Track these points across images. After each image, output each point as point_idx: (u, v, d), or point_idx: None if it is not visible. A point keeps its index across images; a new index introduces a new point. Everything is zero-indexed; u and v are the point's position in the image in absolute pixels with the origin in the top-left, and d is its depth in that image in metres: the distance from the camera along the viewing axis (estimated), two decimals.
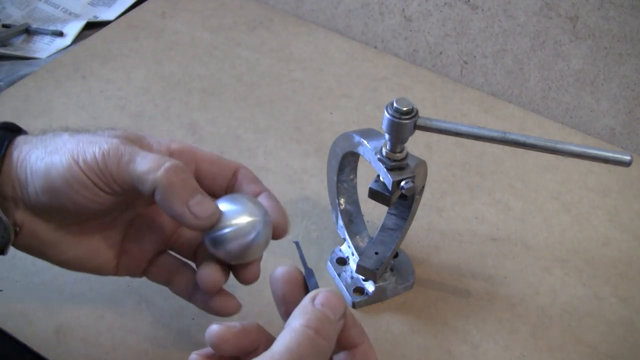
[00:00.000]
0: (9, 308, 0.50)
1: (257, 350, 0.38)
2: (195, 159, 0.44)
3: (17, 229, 0.41)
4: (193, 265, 0.46)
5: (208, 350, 0.37)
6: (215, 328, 0.37)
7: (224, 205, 0.41)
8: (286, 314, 0.38)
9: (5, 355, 0.48)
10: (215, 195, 0.44)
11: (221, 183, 0.45)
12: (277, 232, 0.43)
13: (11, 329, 0.49)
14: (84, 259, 0.44)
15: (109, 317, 0.50)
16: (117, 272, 0.46)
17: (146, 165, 0.39)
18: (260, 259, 0.44)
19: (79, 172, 0.39)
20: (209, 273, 0.42)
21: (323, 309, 0.35)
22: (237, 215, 0.41)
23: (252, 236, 0.41)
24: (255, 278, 0.43)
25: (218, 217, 0.40)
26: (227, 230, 0.40)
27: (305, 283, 0.39)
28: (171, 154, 0.43)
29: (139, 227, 0.46)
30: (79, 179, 0.39)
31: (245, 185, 0.44)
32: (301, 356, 0.33)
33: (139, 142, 0.43)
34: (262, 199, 0.44)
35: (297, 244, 0.42)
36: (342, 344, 0.37)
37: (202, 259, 0.44)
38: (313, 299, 0.36)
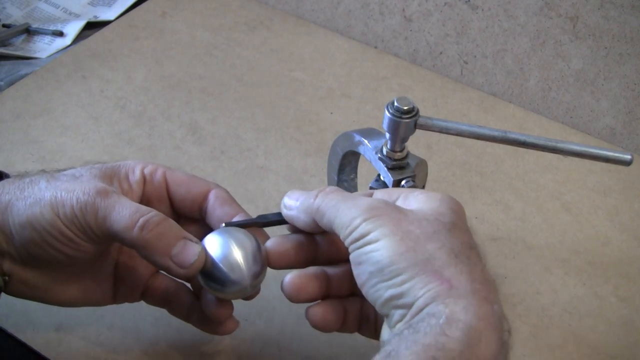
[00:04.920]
0: (9, 307, 0.50)
1: (332, 279, 0.41)
2: (166, 181, 0.44)
3: (6, 278, 0.41)
4: (187, 285, 0.46)
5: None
6: (285, 282, 0.40)
7: (212, 241, 0.40)
8: (315, 257, 0.42)
9: (6, 354, 0.48)
10: (188, 218, 0.44)
11: (192, 205, 0.44)
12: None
13: (12, 328, 0.49)
14: (81, 297, 0.44)
15: (109, 316, 0.50)
16: (115, 301, 0.46)
17: (121, 224, 0.38)
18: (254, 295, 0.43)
19: (61, 225, 0.39)
20: (220, 306, 0.42)
21: (300, 196, 0.40)
22: (228, 252, 0.39)
23: (243, 273, 0.39)
24: (228, 311, 0.43)
25: (203, 260, 0.39)
26: (219, 268, 0.39)
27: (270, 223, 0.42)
28: (144, 178, 0.43)
29: (129, 253, 0.45)
30: (63, 232, 0.39)
31: (218, 207, 0.43)
32: (343, 196, 0.38)
33: (115, 176, 0.42)
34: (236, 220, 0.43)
35: (228, 224, 0.42)
36: None
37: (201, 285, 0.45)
38: (289, 208, 0.40)
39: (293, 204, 0.40)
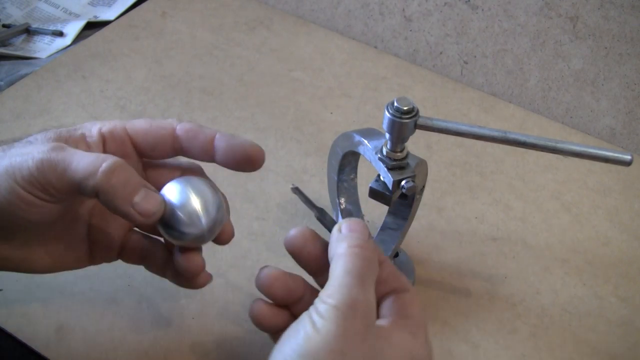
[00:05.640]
0: (9, 308, 0.50)
1: (304, 298, 0.41)
2: (128, 135, 0.43)
3: None
4: (161, 240, 0.46)
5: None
6: (265, 270, 0.41)
7: (172, 189, 0.40)
8: (315, 272, 0.41)
9: (6, 354, 0.48)
10: (154, 165, 0.44)
11: (163, 150, 0.43)
12: (254, 162, 0.42)
13: (11, 328, 0.49)
14: (58, 262, 0.44)
15: (109, 317, 0.50)
16: (93, 262, 0.45)
17: (83, 171, 0.37)
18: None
19: (20, 190, 0.37)
20: (187, 259, 0.42)
21: (353, 233, 0.39)
22: (186, 200, 0.40)
23: (202, 219, 0.40)
24: (199, 265, 0.43)
25: (163, 210, 0.39)
26: (177, 216, 0.40)
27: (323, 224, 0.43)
28: (103, 138, 0.42)
29: (100, 214, 0.45)
30: (23, 197, 0.38)
31: (194, 141, 0.42)
32: (359, 271, 0.36)
33: (71, 137, 0.41)
34: (219, 142, 0.42)
35: (297, 189, 0.42)
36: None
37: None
38: (340, 230, 0.39)
39: (343, 232, 0.39)
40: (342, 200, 0.56)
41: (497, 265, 0.58)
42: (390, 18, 0.76)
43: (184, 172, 0.45)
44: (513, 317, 0.54)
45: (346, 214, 0.56)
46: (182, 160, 0.45)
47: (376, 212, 0.60)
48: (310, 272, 0.42)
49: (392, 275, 0.40)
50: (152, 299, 0.52)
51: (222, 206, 0.41)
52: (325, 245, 0.41)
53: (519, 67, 0.72)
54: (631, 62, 0.65)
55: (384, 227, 0.52)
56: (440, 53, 0.76)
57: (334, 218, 0.57)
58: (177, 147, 0.43)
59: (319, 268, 0.41)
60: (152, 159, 0.44)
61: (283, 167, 0.64)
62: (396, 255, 0.56)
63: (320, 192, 0.62)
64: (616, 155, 0.42)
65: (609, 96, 0.68)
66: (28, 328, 0.49)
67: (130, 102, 0.69)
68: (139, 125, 0.43)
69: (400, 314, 0.39)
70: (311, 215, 0.60)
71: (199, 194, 0.40)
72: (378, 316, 0.40)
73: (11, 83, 0.70)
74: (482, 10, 0.70)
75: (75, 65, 0.73)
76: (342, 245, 0.38)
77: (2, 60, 0.74)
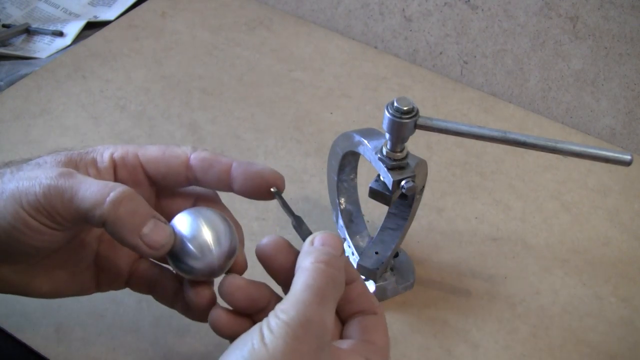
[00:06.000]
0: (9, 307, 0.50)
1: (268, 307, 0.39)
2: (140, 163, 0.42)
3: None
4: (172, 270, 0.45)
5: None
6: (229, 279, 0.39)
7: (183, 220, 0.39)
8: (285, 283, 0.39)
9: (5, 354, 0.48)
10: (167, 194, 0.43)
11: (176, 180, 0.42)
12: (276, 185, 0.41)
13: (11, 328, 0.49)
14: (61, 288, 0.43)
15: (109, 317, 0.50)
16: (99, 289, 0.44)
17: (90, 200, 0.36)
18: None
19: (26, 216, 0.37)
20: (197, 293, 0.40)
21: (324, 248, 0.37)
22: (197, 232, 0.38)
23: (214, 253, 0.38)
24: (210, 300, 0.41)
25: (172, 242, 0.38)
26: (187, 248, 0.38)
27: (298, 233, 0.41)
28: (114, 164, 0.41)
29: (109, 242, 0.44)
30: (28, 224, 0.37)
31: (209, 171, 0.41)
32: (320, 288, 0.35)
33: (82, 161, 0.41)
34: (236, 171, 0.40)
35: (276, 193, 0.40)
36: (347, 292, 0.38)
37: None
38: (312, 242, 0.38)
39: (315, 245, 0.38)
40: (342, 200, 0.56)
41: (497, 265, 0.58)
42: (390, 18, 0.76)
43: (198, 199, 0.44)
44: (513, 317, 0.54)
45: (346, 214, 0.56)
46: (197, 187, 0.43)
47: (376, 212, 0.60)
48: (279, 283, 0.40)
49: (362, 295, 0.39)
50: (152, 299, 0.52)
51: (234, 238, 0.39)
52: (293, 251, 0.39)
53: (519, 67, 0.72)
54: (631, 62, 0.65)
55: (383, 227, 0.52)
56: (440, 53, 0.76)
57: (334, 219, 0.57)
58: (191, 177, 0.41)
59: (288, 280, 0.38)
60: (165, 187, 0.43)
61: (283, 167, 0.64)
62: (396, 255, 0.56)
63: (320, 192, 0.62)
64: (616, 155, 0.42)
65: (609, 96, 0.68)
66: (28, 328, 0.49)
67: (130, 102, 0.69)
68: (151, 152, 0.42)
69: (363, 338, 0.38)
70: (311, 215, 0.60)
71: (211, 225, 0.38)
72: (342, 337, 0.39)
73: (11, 83, 0.70)
74: (482, 10, 0.70)
75: (75, 65, 0.73)
76: (308, 259, 0.36)
77: (2, 60, 0.74)
